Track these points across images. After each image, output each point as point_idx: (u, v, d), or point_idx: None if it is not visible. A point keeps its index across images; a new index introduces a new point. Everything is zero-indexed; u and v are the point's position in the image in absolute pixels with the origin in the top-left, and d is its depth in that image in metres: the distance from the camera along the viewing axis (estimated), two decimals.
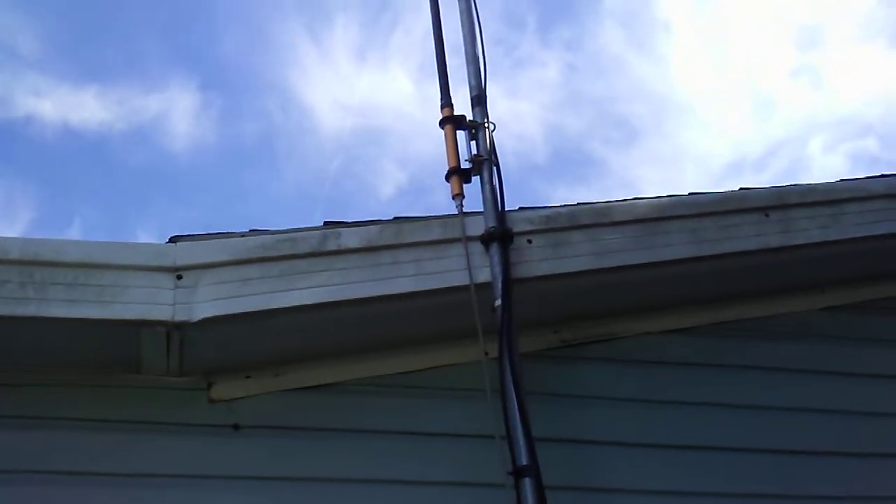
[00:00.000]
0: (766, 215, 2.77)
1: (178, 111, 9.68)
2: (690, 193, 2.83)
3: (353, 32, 9.25)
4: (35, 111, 9.36)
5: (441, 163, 2.75)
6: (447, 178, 2.71)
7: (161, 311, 2.22)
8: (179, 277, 2.28)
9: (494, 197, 2.65)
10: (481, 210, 2.64)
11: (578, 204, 2.76)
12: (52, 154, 9.69)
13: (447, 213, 2.63)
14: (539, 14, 8.94)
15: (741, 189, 2.90)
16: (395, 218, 2.61)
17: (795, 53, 10.09)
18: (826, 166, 10.28)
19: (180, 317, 2.22)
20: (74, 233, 9.67)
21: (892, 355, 3.00)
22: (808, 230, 2.80)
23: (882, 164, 9.87)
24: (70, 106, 9.47)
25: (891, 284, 3.12)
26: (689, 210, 2.74)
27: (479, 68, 2.91)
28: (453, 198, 2.67)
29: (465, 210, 2.64)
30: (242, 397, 2.43)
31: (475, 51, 2.94)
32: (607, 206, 2.73)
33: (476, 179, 2.72)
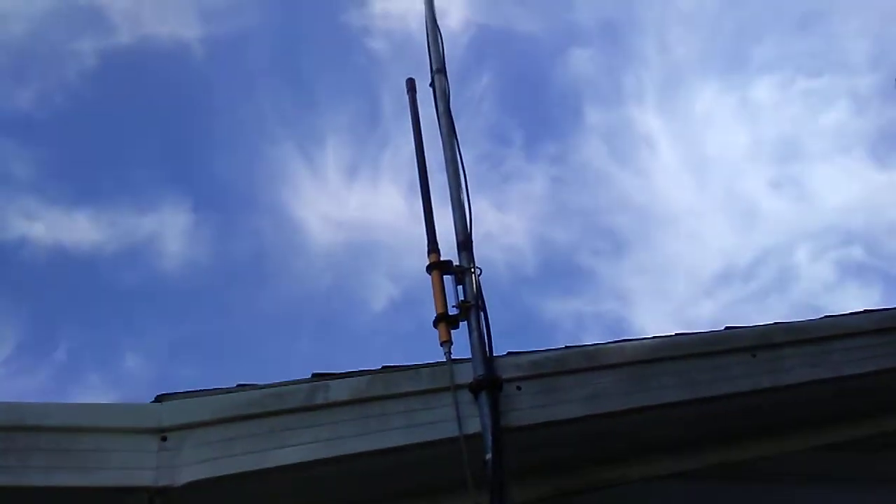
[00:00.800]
0: (754, 355, 2.78)
1: (171, 231, 9.81)
2: (677, 334, 2.84)
3: (344, 151, 9.54)
4: (28, 234, 9.46)
5: None
6: (435, 324, 2.72)
7: (144, 477, 2.17)
8: (164, 439, 2.24)
9: (482, 343, 2.65)
10: (469, 357, 2.64)
11: (566, 347, 2.76)
12: (42, 276, 9.72)
13: (435, 361, 2.63)
14: (524, 130, 9.28)
15: (727, 328, 2.91)
16: (384, 367, 2.60)
17: (775, 164, 10.41)
18: (814, 275, 10.39)
19: (164, 481, 2.17)
20: (60, 356, 9.57)
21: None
22: (797, 369, 2.79)
23: (869, 270, 10.00)
24: (63, 228, 9.58)
25: (888, 420, 3.09)
26: (678, 352, 2.75)
27: (465, 213, 2.98)
28: (441, 345, 2.67)
29: (453, 357, 2.64)
30: None
31: (460, 196, 3.01)
32: (596, 350, 2.73)
33: (464, 325, 2.73)
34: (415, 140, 3.08)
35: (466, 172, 3.05)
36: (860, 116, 9.89)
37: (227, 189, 10.02)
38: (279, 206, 9.84)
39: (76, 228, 9.58)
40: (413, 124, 3.12)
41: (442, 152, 3.09)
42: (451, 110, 3.24)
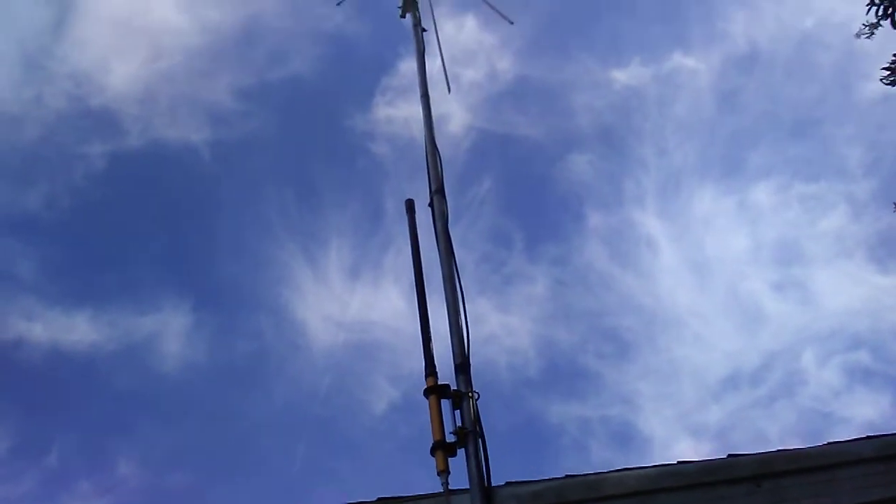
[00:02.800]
0: (758, 485, 2.72)
1: (170, 332, 9.75)
2: (679, 462, 2.80)
3: (346, 253, 9.62)
4: (26, 334, 9.40)
5: None
6: (432, 452, 2.68)
7: None
8: None
9: (480, 473, 2.61)
10: (467, 487, 2.59)
11: (567, 477, 2.73)
12: (38, 378, 9.60)
13: (432, 492, 2.59)
14: (525, 233, 9.38)
15: (729, 456, 2.87)
16: (379, 499, 2.56)
17: (776, 267, 10.46)
18: (822, 380, 10.21)
19: None
20: (51, 461, 9.34)
21: None
22: (801, 500, 2.73)
23: (877, 376, 9.83)
24: (61, 328, 9.53)
25: None
26: (679, 482, 2.71)
27: (462, 336, 2.97)
28: (438, 475, 2.63)
29: (451, 487, 2.59)
30: None
31: (458, 319, 3.01)
32: (596, 479, 2.70)
33: (461, 451, 2.69)
34: (413, 265, 3.09)
35: (464, 291, 3.06)
36: (858, 221, 10.02)
37: (229, 290, 10.06)
38: (280, 305, 9.85)
39: (75, 329, 9.56)
40: (412, 248, 3.14)
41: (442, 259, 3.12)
42: (450, 231, 3.28)
